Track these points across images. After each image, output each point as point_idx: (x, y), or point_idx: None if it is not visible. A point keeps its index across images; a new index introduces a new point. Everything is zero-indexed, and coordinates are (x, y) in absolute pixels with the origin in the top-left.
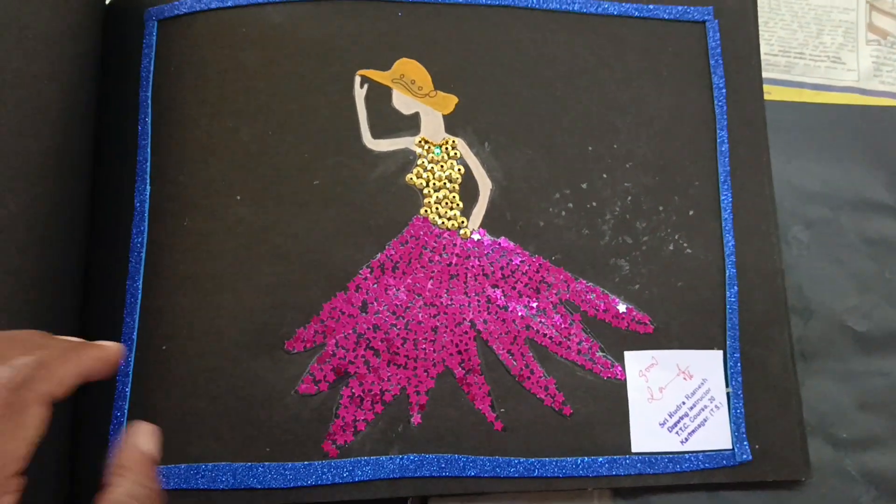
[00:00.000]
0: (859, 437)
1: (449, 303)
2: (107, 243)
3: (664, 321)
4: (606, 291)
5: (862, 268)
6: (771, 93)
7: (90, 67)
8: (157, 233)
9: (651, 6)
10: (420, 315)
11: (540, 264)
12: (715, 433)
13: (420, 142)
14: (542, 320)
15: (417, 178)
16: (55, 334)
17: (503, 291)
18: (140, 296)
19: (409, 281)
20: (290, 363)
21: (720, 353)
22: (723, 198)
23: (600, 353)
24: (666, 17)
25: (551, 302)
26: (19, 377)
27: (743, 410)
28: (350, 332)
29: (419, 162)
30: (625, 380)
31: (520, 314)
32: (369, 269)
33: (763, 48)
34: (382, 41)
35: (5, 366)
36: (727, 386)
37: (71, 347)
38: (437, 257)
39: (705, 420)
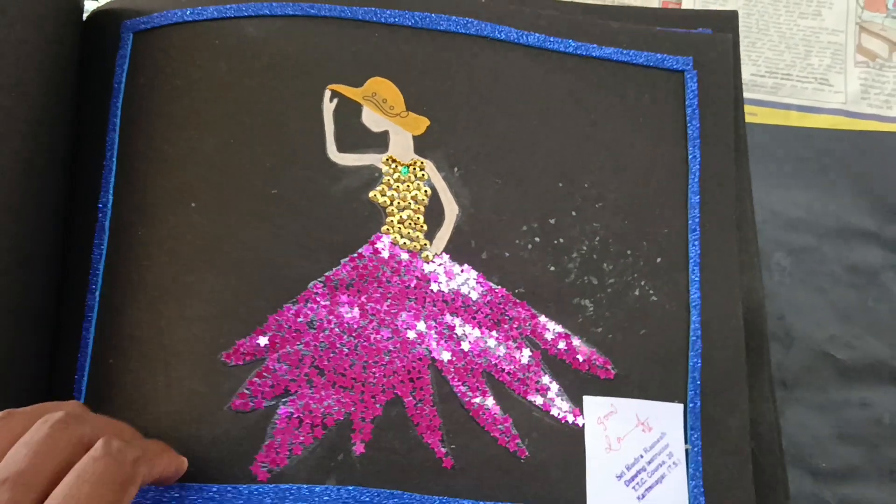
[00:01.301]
0: (839, 468)
1: (405, 327)
2: (74, 257)
3: (625, 368)
4: (569, 331)
5: (844, 296)
6: (757, 114)
7: (64, 80)
8: (115, 244)
9: (631, 52)
10: (373, 337)
11: (503, 296)
12: (672, 492)
13: (387, 160)
14: (501, 354)
15: (382, 195)
16: (25, 350)
17: (462, 320)
18: (97, 309)
19: (363, 300)
20: (226, 376)
21: (680, 406)
22: (691, 250)
23: (559, 395)
24: (645, 63)
25: (512, 336)
26: (133, 455)
27: (701, 471)
28: (295, 348)
29: (385, 180)
30: (583, 426)
31: (479, 346)
32: (322, 284)
33: (750, 69)
34: (357, 60)
35: (131, 446)
36: (686, 442)
37: (165, 448)
38: (395, 278)
39: (663, 477)
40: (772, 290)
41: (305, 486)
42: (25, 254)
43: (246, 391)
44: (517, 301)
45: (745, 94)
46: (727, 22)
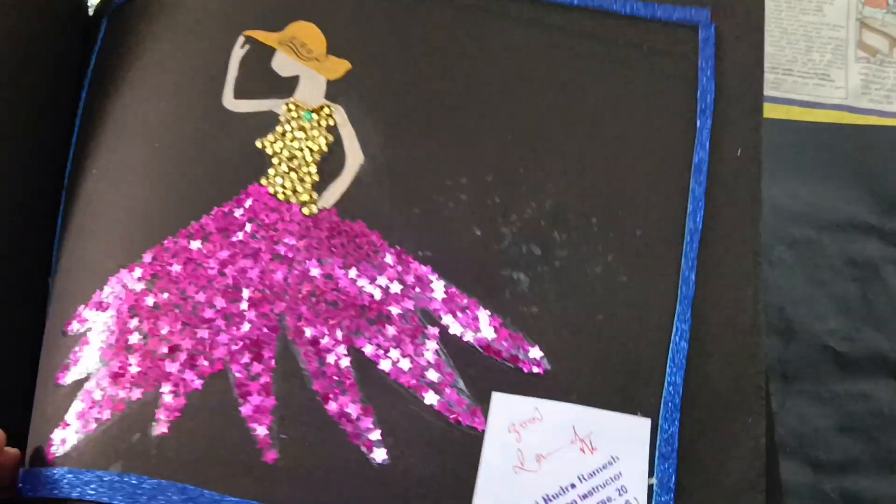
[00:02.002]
0: (839, 459)
1: (260, 288)
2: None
3: (565, 363)
4: (487, 308)
5: (844, 289)
6: None
7: (68, 73)
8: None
9: (629, 3)
10: (217, 298)
11: (399, 257)
12: None
13: (289, 104)
14: (382, 328)
15: (270, 143)
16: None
17: (339, 283)
18: (52, 294)
19: (220, 257)
20: (64, 349)
21: (647, 422)
22: (689, 222)
23: (455, 388)
24: (646, 16)
25: (401, 306)
26: None
27: None
28: (125, 309)
29: (277, 127)
30: (482, 431)
31: (351, 314)
32: (174, 239)
33: None
34: (283, 4)
35: None
36: (651, 475)
37: None
38: (262, 232)
39: None
40: (772, 283)
41: (76, 469)
42: (25, 250)
43: (67, 361)
44: (417, 263)
45: None
46: None
